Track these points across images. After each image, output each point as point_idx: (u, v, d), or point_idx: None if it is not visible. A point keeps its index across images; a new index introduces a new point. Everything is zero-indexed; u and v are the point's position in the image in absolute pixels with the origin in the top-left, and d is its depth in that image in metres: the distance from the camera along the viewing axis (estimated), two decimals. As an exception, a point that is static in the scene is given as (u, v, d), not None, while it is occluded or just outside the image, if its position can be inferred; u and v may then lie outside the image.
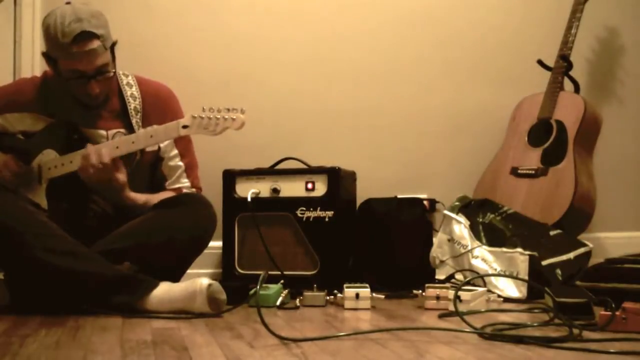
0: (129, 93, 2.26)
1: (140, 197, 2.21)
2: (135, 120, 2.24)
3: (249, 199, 2.38)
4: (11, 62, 2.63)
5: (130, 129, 2.22)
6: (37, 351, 1.45)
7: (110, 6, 2.61)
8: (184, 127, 2.08)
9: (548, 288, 1.89)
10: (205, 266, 2.55)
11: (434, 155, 2.92)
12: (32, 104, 2.24)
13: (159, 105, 2.28)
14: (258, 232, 2.32)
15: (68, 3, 2.11)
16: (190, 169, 2.35)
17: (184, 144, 2.33)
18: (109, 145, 2.11)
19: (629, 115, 2.99)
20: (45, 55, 2.15)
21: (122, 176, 2.11)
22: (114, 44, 2.16)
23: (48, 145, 2.20)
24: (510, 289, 2.24)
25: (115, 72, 2.20)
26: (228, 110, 2.04)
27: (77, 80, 2.11)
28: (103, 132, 2.21)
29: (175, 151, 2.31)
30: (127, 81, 2.28)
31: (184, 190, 2.32)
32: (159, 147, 2.27)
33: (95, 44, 2.06)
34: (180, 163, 2.32)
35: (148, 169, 2.30)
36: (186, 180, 2.34)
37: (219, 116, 2.04)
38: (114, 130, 2.21)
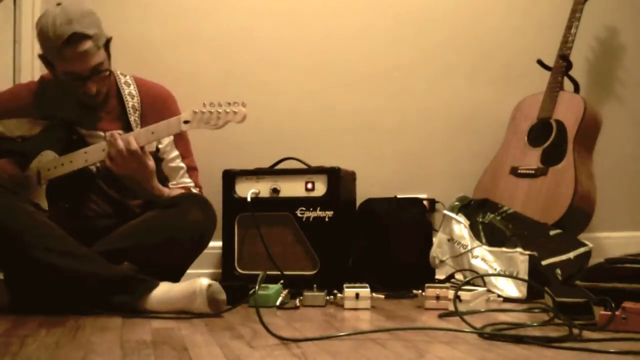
0: (126, 91, 2.26)
1: (164, 189, 2.21)
2: (133, 118, 2.24)
3: (249, 199, 2.38)
4: (11, 62, 2.63)
5: (128, 129, 2.21)
6: (37, 351, 1.45)
7: (109, 6, 2.61)
8: (186, 122, 2.08)
9: (548, 288, 1.89)
10: (205, 266, 2.55)
11: (434, 155, 2.92)
12: (29, 109, 2.24)
13: (157, 106, 2.28)
14: (258, 232, 2.32)
15: (59, 4, 2.11)
16: (191, 170, 2.36)
17: (184, 145, 2.33)
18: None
19: (629, 115, 2.99)
20: (41, 57, 2.15)
21: (150, 161, 2.12)
22: (108, 41, 2.16)
23: (47, 146, 2.20)
24: (510, 288, 2.24)
25: (111, 72, 2.20)
26: (229, 104, 2.04)
27: (74, 82, 2.11)
28: (101, 134, 2.21)
29: (176, 152, 2.31)
30: (125, 80, 2.29)
31: (191, 188, 2.33)
32: (158, 148, 2.27)
33: (88, 44, 2.06)
34: (182, 164, 2.32)
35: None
36: (189, 179, 2.34)
37: (220, 110, 2.04)
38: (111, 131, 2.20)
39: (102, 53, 2.12)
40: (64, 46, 2.04)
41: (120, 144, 2.06)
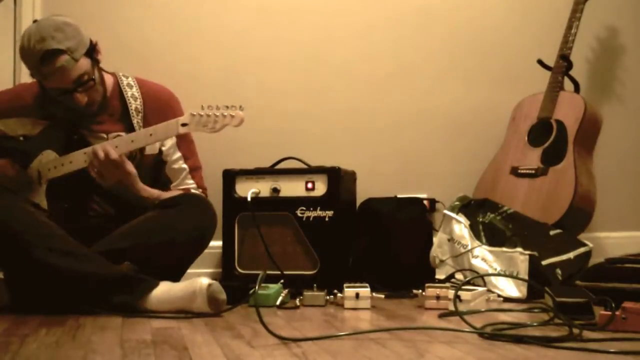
0: (129, 94, 2.26)
1: (154, 191, 2.21)
2: (136, 120, 2.24)
3: (249, 199, 2.38)
4: (11, 62, 2.63)
5: (131, 131, 2.21)
6: (37, 351, 1.45)
7: (109, 7, 2.61)
8: (183, 125, 2.08)
9: (548, 288, 1.89)
10: (205, 266, 2.55)
11: (434, 155, 2.92)
12: (32, 109, 2.24)
13: (160, 107, 2.28)
14: (258, 232, 2.32)
15: (35, 21, 2.11)
16: (195, 171, 2.35)
17: (186, 146, 2.33)
18: (109, 143, 2.11)
19: (629, 115, 2.99)
20: (32, 76, 2.16)
21: (130, 167, 2.11)
22: (92, 48, 2.13)
23: (48, 146, 2.20)
24: (510, 288, 2.24)
25: (100, 76, 2.18)
26: (227, 107, 2.05)
27: (62, 96, 2.11)
28: (104, 135, 2.21)
29: (179, 154, 2.31)
30: (127, 82, 2.28)
31: (192, 190, 2.32)
32: (161, 150, 2.27)
33: (63, 59, 2.04)
34: (185, 165, 2.32)
35: (150, 171, 2.29)
36: (191, 181, 2.34)
37: (217, 113, 2.05)
38: (114, 134, 2.21)
39: (83, 63, 2.09)
40: (40, 65, 2.04)
41: (101, 154, 2.06)
